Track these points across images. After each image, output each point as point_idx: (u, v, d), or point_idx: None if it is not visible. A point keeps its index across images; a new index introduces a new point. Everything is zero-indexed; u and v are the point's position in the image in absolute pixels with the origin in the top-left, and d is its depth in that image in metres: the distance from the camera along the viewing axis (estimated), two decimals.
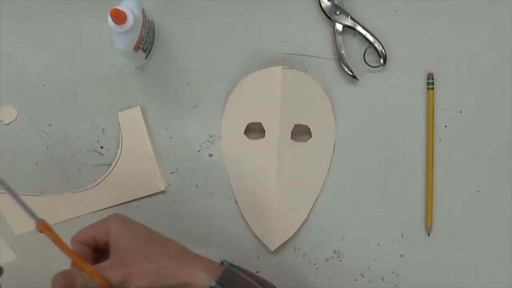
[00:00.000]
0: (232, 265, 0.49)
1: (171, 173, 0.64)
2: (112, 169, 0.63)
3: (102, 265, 0.46)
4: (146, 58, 0.64)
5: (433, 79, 0.64)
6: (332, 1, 0.64)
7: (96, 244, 0.48)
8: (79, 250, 0.48)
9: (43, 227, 0.46)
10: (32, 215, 0.46)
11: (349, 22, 0.64)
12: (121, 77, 0.65)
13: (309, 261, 0.62)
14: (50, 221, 0.62)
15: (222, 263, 0.49)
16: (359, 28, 0.64)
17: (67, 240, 0.48)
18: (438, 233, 0.62)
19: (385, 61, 0.63)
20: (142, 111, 0.64)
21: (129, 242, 0.47)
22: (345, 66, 0.63)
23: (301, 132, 0.63)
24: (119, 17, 0.55)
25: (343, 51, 0.64)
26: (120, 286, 0.45)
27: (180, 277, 0.46)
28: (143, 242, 0.47)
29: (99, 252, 0.49)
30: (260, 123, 0.63)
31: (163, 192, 0.63)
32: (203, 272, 0.46)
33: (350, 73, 0.63)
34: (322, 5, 0.65)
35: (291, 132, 0.62)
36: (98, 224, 0.49)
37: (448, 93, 0.64)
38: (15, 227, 0.63)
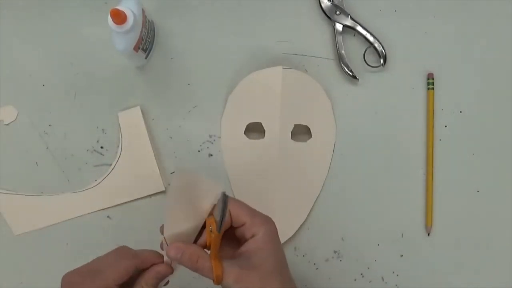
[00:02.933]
0: None
1: (171, 173, 0.64)
2: (112, 169, 0.63)
3: (228, 261, 0.45)
4: (146, 58, 0.64)
5: (433, 79, 0.64)
6: (332, 1, 0.64)
7: (235, 225, 0.47)
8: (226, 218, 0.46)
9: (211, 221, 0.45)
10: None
11: (349, 22, 0.64)
12: (121, 77, 0.65)
13: (309, 261, 0.62)
14: (50, 221, 0.63)
15: None
16: (359, 28, 0.64)
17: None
18: (438, 233, 0.62)
19: (385, 61, 0.63)
20: (142, 111, 0.64)
21: (264, 261, 0.45)
22: (345, 66, 0.63)
23: (301, 132, 0.63)
24: (119, 17, 0.55)
25: (343, 51, 0.64)
26: (225, 285, 0.44)
27: None
28: (278, 269, 0.46)
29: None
30: (260, 123, 0.63)
31: (163, 192, 0.63)
32: None
33: (350, 73, 0.63)
34: (322, 5, 0.65)
35: (291, 132, 0.62)
36: (254, 220, 0.46)
37: (448, 93, 0.64)
38: (15, 227, 0.63)
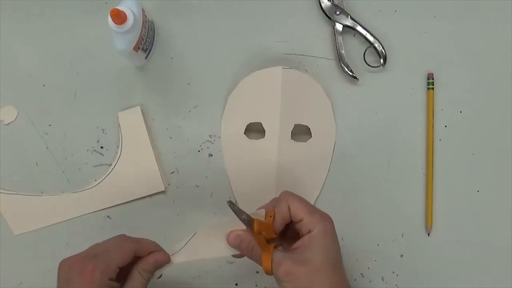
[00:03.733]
0: None
1: (171, 173, 0.64)
2: (112, 169, 0.63)
3: (281, 254, 0.47)
4: (146, 58, 0.64)
5: (433, 79, 0.64)
6: (332, 1, 0.64)
7: (291, 220, 0.49)
8: (284, 214, 0.48)
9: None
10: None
11: (349, 22, 0.64)
12: (121, 77, 0.65)
13: None
14: (50, 221, 0.63)
15: None
16: (359, 28, 0.64)
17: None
18: (438, 233, 0.62)
19: (385, 61, 0.63)
20: (142, 111, 0.64)
21: (314, 257, 0.46)
22: (345, 66, 0.63)
23: (301, 132, 0.63)
24: (119, 17, 0.55)
25: (343, 51, 0.64)
26: (277, 279, 0.47)
27: None
28: (330, 266, 0.46)
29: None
30: (260, 123, 0.63)
31: (163, 192, 0.63)
32: None
33: (350, 73, 0.63)
34: (322, 5, 0.65)
35: (291, 132, 0.62)
36: (312, 217, 0.47)
37: (448, 93, 0.64)
38: (15, 227, 0.63)
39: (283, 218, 0.49)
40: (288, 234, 0.51)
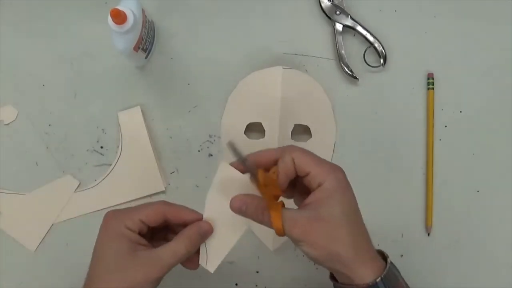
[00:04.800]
0: (393, 265, 0.45)
1: (171, 173, 0.64)
2: (112, 169, 0.63)
3: (293, 212, 0.43)
4: (146, 58, 0.64)
5: (433, 79, 0.64)
6: (332, 1, 0.64)
7: (299, 175, 0.45)
8: (289, 169, 0.44)
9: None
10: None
11: (349, 22, 0.64)
12: (121, 77, 0.65)
13: (309, 261, 0.62)
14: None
15: (385, 258, 0.46)
16: (359, 28, 0.64)
17: None
18: (438, 233, 0.62)
19: (385, 61, 0.64)
20: (142, 111, 0.64)
21: (331, 211, 0.42)
22: (345, 66, 0.63)
23: (301, 132, 0.63)
24: (119, 17, 0.55)
25: (343, 51, 0.64)
26: (293, 240, 0.43)
27: (347, 268, 0.43)
28: (348, 220, 0.43)
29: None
30: (260, 123, 0.63)
31: (163, 192, 0.63)
32: (368, 269, 0.43)
33: (350, 73, 0.63)
34: (322, 5, 0.65)
35: (291, 132, 0.62)
36: (320, 168, 0.44)
37: (448, 93, 0.64)
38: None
39: (288, 173, 0.44)
40: (296, 190, 0.47)
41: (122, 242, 0.45)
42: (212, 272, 0.47)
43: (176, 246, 0.46)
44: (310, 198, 0.43)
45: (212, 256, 0.48)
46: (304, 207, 0.44)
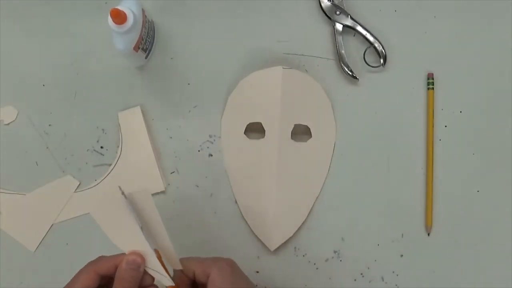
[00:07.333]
0: None
1: (171, 173, 0.64)
2: (112, 169, 0.63)
3: None
4: (146, 58, 0.64)
5: (433, 79, 0.64)
6: (332, 1, 0.64)
7: (193, 279, 0.48)
8: (179, 276, 0.48)
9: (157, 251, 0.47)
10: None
11: (349, 22, 0.64)
12: (121, 77, 0.65)
13: (309, 261, 0.62)
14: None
15: None
16: (359, 28, 0.64)
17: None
18: (438, 233, 0.62)
19: (385, 61, 0.64)
20: (142, 111, 0.64)
21: None
22: (345, 66, 0.63)
23: (301, 132, 0.63)
24: (119, 17, 0.55)
25: (343, 51, 0.64)
26: None
27: None
28: None
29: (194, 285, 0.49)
30: (260, 123, 0.63)
31: (163, 192, 0.63)
32: None
33: (350, 73, 0.63)
34: (322, 5, 0.65)
35: (291, 132, 0.62)
36: (203, 263, 0.48)
37: (448, 93, 0.64)
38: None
39: (182, 280, 0.48)
40: None
41: None
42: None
43: None
44: None
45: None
46: None
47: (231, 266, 0.48)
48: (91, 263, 0.47)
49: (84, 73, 0.65)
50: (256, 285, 0.61)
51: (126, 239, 0.47)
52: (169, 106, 0.65)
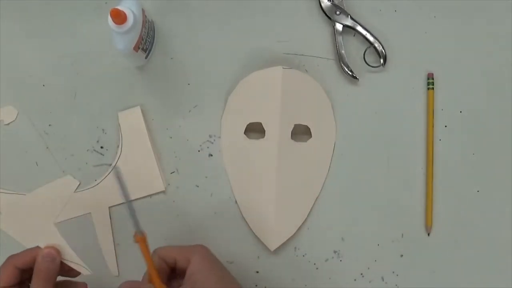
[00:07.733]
0: None
1: (171, 173, 0.64)
2: (112, 169, 0.63)
3: None
4: (146, 58, 0.64)
5: (433, 79, 0.64)
6: (332, 1, 0.64)
7: (175, 265, 0.50)
8: (159, 265, 0.49)
9: (141, 239, 0.48)
10: (136, 224, 0.48)
11: (349, 22, 0.64)
12: (121, 77, 0.65)
13: (309, 261, 0.62)
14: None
15: None
16: (359, 28, 0.64)
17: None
18: (438, 233, 0.62)
19: (385, 61, 0.64)
20: (142, 111, 0.64)
21: (204, 279, 0.48)
22: (345, 66, 0.63)
23: (301, 132, 0.63)
24: (119, 17, 0.55)
25: (343, 51, 0.64)
26: None
27: None
28: (216, 283, 0.48)
29: (175, 271, 0.51)
30: (260, 123, 0.63)
31: (163, 192, 0.63)
32: None
33: (350, 73, 0.63)
34: (322, 5, 0.65)
35: (291, 132, 0.62)
36: (183, 250, 0.50)
37: (448, 93, 0.64)
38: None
39: (161, 268, 0.49)
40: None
41: None
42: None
43: (35, 285, 0.50)
44: (186, 277, 0.48)
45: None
46: (184, 285, 0.49)
47: (207, 250, 0.51)
48: (10, 257, 0.51)
49: (84, 73, 0.65)
50: (256, 285, 0.61)
51: (40, 236, 0.52)
52: (169, 106, 0.65)
